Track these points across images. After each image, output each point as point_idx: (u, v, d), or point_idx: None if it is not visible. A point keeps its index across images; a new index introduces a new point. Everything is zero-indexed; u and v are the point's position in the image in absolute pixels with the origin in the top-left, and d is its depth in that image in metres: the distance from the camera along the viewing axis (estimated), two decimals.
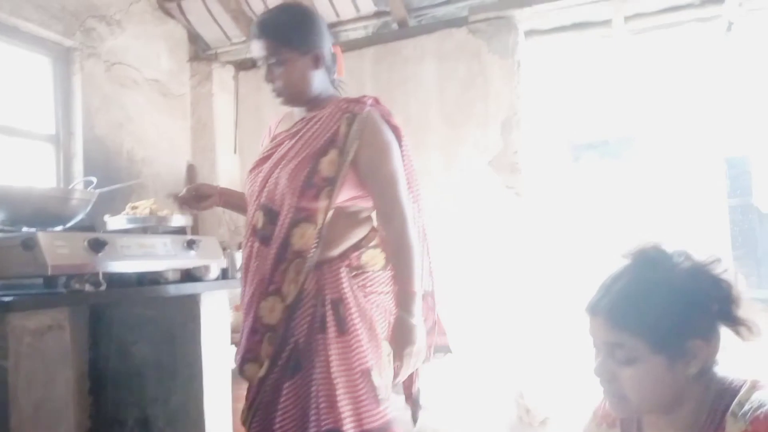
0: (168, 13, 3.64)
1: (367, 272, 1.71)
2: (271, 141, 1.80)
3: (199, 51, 3.82)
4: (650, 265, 1.10)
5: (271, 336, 1.67)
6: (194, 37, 3.79)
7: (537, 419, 2.74)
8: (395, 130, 1.74)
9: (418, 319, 1.64)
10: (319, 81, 1.74)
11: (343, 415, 1.57)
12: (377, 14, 3.55)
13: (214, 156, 3.69)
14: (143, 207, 2.66)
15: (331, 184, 1.64)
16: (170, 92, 3.62)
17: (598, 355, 1.11)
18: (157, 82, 3.52)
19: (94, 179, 2.45)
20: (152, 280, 2.33)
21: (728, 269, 1.10)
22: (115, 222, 2.55)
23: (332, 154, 1.65)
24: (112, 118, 3.20)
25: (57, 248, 1.94)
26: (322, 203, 1.63)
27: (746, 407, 0.99)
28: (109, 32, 3.21)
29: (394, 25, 3.53)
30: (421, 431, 3.02)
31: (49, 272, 1.85)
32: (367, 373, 1.61)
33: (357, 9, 3.51)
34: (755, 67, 3.97)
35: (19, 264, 1.91)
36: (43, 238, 1.91)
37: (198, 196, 1.96)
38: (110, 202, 2.64)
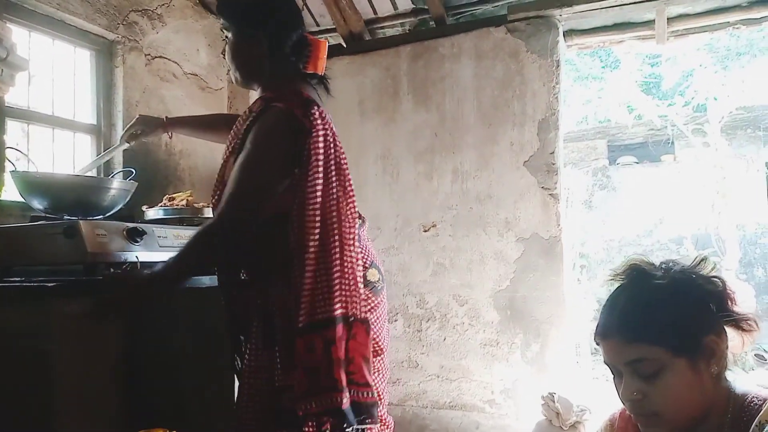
0: (208, 8, 3.67)
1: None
2: None
3: None
4: (644, 276, 1.11)
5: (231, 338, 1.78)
6: None
7: (567, 423, 2.71)
8: (301, 122, 1.53)
9: (149, 284, 1.52)
10: (268, 66, 1.64)
11: None
12: (415, 12, 3.54)
13: None
14: (180, 198, 2.71)
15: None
16: (208, 86, 3.66)
17: (619, 378, 1.09)
18: (196, 76, 3.56)
19: (134, 170, 2.49)
20: None
21: (717, 266, 1.11)
22: (152, 212, 2.60)
23: (230, 161, 1.59)
24: (151, 110, 3.24)
25: (97, 237, 1.98)
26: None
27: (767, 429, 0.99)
28: (150, 26, 3.26)
29: (432, 23, 3.52)
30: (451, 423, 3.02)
31: (89, 259, 1.89)
32: (279, 392, 1.54)
33: (395, 6, 3.51)
34: None
35: (61, 251, 1.95)
36: (84, 226, 1.95)
37: (144, 129, 2.10)
38: (148, 193, 2.69)
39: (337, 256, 1.52)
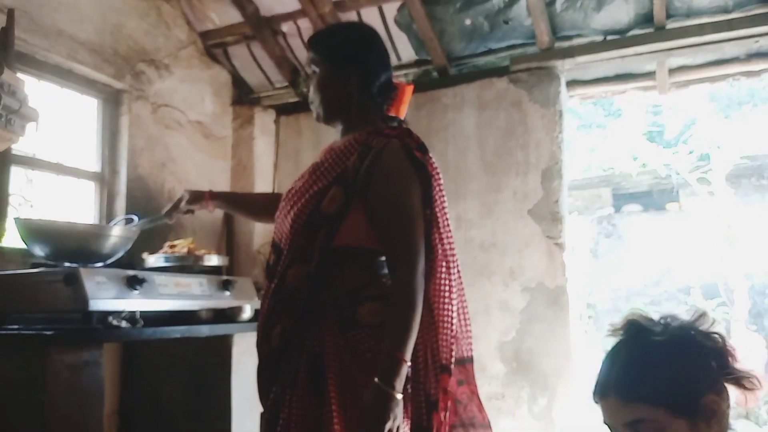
0: (214, 59, 3.75)
1: (362, 327, 1.47)
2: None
3: (242, 95, 3.91)
4: (642, 333, 1.08)
5: (263, 375, 1.57)
6: (238, 82, 3.88)
7: None
8: (424, 165, 1.53)
9: (398, 394, 1.38)
10: (355, 104, 1.59)
11: None
12: (418, 62, 3.59)
13: None
14: (181, 246, 2.70)
15: (330, 222, 1.48)
16: (212, 134, 3.69)
17: None
18: (201, 124, 3.60)
19: (135, 217, 2.48)
20: (186, 319, 2.33)
21: (716, 321, 1.09)
22: (153, 260, 2.59)
23: (335, 191, 1.49)
24: (155, 158, 3.27)
25: (97, 284, 1.97)
26: (318, 243, 1.48)
27: None
28: (157, 76, 3.31)
29: (435, 74, 3.57)
30: None
31: (89, 308, 1.87)
32: None
33: (398, 57, 3.57)
34: None
35: (60, 299, 1.94)
36: (84, 274, 1.94)
37: (189, 202, 1.93)
38: (149, 239, 2.67)
39: (463, 292, 1.57)
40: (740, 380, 1.05)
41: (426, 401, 1.44)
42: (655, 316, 1.11)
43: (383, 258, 1.53)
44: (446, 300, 1.49)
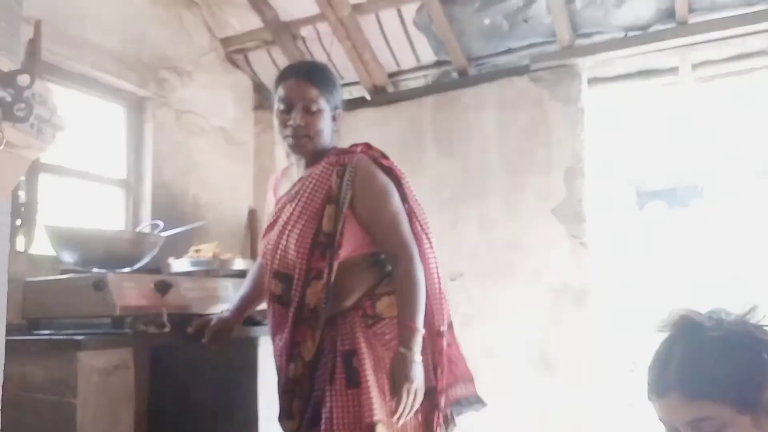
0: (235, 65, 3.78)
1: (384, 319, 1.70)
2: (276, 205, 1.87)
3: (263, 100, 3.93)
4: (697, 328, 1.05)
5: (299, 391, 1.72)
6: (259, 87, 3.91)
7: None
8: (390, 171, 1.77)
9: (417, 356, 1.64)
10: (330, 137, 1.84)
11: None
12: (437, 63, 3.59)
13: None
14: (206, 250, 2.72)
15: (332, 239, 1.68)
16: (234, 139, 3.72)
17: None
18: (223, 129, 3.64)
19: (161, 223, 2.51)
20: None
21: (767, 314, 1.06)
22: (179, 264, 2.61)
23: (329, 210, 1.70)
24: (179, 164, 3.31)
25: (125, 289, 1.99)
26: (326, 259, 1.68)
27: None
28: (180, 83, 3.35)
29: (454, 74, 3.56)
30: None
31: (118, 312, 1.90)
32: (371, 427, 1.58)
33: (417, 59, 3.57)
34: None
35: (90, 304, 1.96)
36: (112, 279, 1.96)
37: (224, 330, 2.03)
38: (174, 245, 2.70)
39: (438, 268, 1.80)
40: None
41: (433, 364, 1.70)
42: (702, 311, 1.08)
43: (383, 256, 1.77)
44: (434, 274, 1.75)
